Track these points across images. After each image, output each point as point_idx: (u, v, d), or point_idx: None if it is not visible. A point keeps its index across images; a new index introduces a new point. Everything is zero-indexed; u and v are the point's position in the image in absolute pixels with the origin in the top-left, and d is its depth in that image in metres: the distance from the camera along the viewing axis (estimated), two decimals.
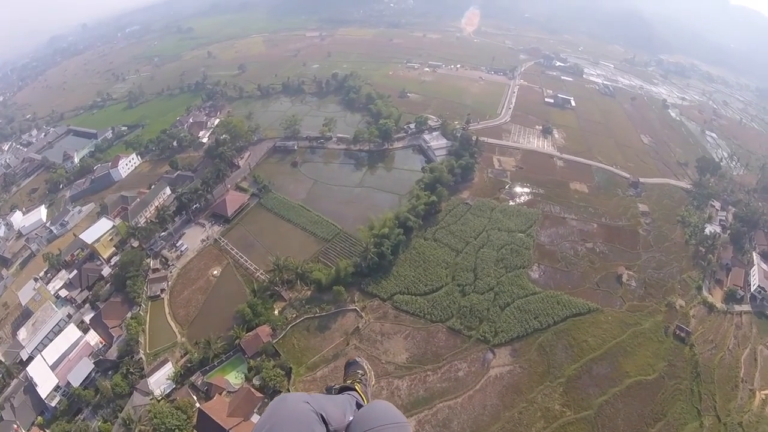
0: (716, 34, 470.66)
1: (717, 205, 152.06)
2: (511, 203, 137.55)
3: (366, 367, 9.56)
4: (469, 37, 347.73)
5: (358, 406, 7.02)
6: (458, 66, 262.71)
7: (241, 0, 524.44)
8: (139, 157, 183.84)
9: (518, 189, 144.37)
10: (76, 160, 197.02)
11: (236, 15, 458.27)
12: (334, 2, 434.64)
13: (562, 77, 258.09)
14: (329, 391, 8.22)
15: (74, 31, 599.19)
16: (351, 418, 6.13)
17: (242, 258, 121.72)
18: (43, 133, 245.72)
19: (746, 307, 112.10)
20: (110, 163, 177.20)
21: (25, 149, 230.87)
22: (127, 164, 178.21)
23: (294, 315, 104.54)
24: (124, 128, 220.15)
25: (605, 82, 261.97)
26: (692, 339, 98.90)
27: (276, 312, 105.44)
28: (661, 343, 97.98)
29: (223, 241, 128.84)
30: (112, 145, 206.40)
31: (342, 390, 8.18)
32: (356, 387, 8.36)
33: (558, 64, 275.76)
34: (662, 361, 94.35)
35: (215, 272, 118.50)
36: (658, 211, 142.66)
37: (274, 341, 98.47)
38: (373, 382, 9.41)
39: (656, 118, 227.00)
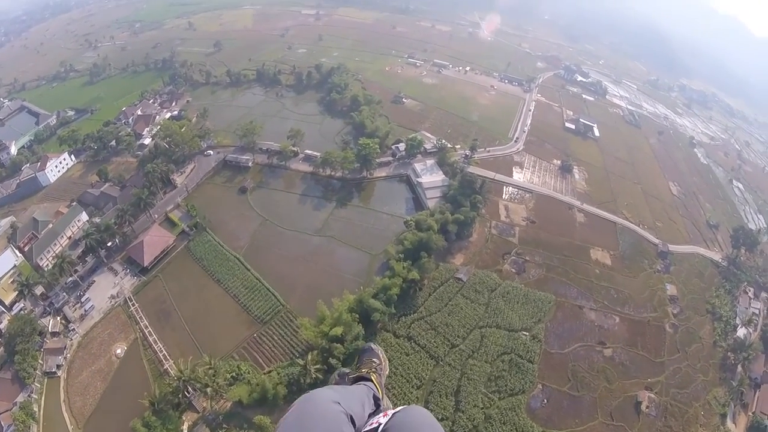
0: (736, 64, 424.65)
1: (750, 292, 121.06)
2: (516, 281, 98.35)
3: (381, 356, 8.13)
4: (483, 34, 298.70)
5: (375, 398, 6.46)
6: (467, 68, 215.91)
7: None
8: (72, 157, 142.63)
9: (528, 257, 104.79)
10: (13, 150, 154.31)
11: None
12: None
13: (584, 95, 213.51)
14: (342, 377, 7.36)
15: None
16: (369, 411, 5.75)
17: (152, 335, 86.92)
18: None
19: None
20: (38, 164, 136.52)
21: None
22: (57, 166, 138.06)
23: None
24: (71, 113, 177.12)
25: (630, 107, 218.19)
26: None
27: (185, 429, 73.37)
28: None
29: (133, 304, 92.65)
30: (55, 133, 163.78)
31: (357, 380, 7.24)
32: (372, 377, 7.33)
33: (580, 79, 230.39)
34: None
35: (119, 351, 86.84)
36: (687, 296, 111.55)
37: None
38: (387, 372, 8.07)
39: (683, 160, 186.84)
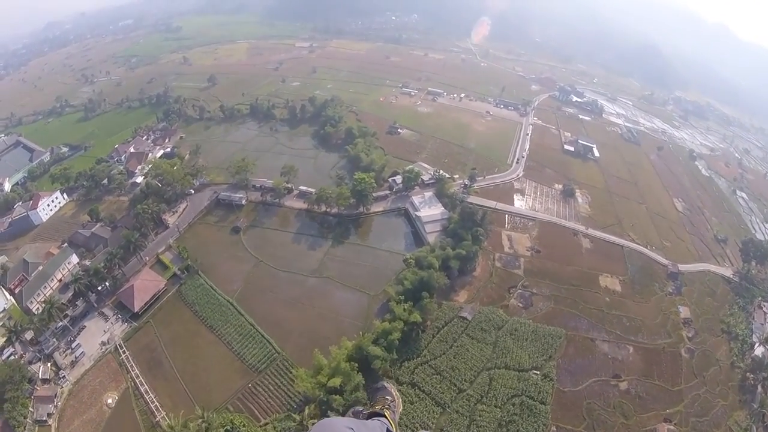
0: (726, 70, 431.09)
1: (765, 307, 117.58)
2: (524, 316, 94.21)
3: (394, 393, 8.64)
4: (476, 59, 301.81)
5: None
6: (462, 95, 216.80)
7: (238, 0, 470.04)
8: (65, 195, 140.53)
9: (535, 290, 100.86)
10: (7, 187, 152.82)
11: (230, 16, 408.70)
12: (332, 10, 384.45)
13: (580, 116, 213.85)
14: (356, 415, 7.61)
15: (73, 18, 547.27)
16: None
17: (143, 385, 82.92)
18: None
19: None
20: (30, 203, 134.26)
21: None
22: (49, 205, 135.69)
23: None
24: (65, 149, 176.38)
25: (627, 125, 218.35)
26: None
27: None
28: None
29: (124, 352, 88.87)
30: (48, 170, 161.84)
31: (371, 416, 7.39)
32: (385, 414, 7.44)
33: (575, 99, 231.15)
34: None
35: (110, 401, 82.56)
36: (701, 317, 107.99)
37: None
38: (400, 409, 8.34)
39: (685, 174, 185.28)
